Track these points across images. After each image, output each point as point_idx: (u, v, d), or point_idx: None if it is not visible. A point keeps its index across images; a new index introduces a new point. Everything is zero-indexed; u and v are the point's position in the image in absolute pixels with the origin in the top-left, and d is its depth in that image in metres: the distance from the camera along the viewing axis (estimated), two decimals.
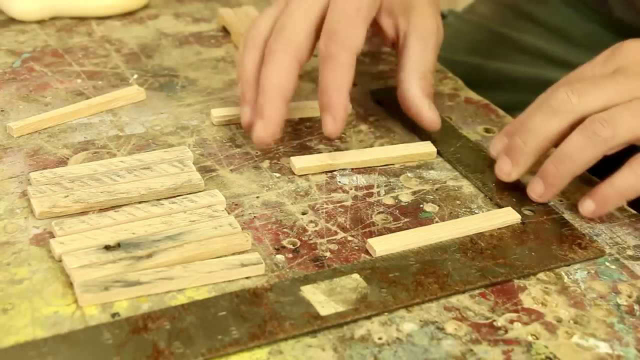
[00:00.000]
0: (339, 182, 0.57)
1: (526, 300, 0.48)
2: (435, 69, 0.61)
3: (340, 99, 0.55)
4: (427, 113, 0.59)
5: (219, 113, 0.63)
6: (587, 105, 0.53)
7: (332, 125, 0.56)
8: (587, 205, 0.54)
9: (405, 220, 0.54)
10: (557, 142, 0.54)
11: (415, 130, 0.63)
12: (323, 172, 0.58)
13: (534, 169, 0.55)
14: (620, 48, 0.56)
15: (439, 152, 0.61)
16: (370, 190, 0.56)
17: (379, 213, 0.54)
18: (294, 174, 0.57)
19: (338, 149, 0.60)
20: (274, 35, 0.56)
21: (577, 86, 0.53)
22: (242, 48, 0.59)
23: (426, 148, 0.58)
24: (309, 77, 0.70)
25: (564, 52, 0.82)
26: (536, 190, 0.55)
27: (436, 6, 0.62)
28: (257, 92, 0.56)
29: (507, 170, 0.55)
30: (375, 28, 0.62)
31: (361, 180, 0.57)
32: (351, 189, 0.56)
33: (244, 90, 0.58)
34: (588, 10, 0.82)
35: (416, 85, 0.59)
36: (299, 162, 0.57)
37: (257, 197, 0.55)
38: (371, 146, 0.61)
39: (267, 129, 0.55)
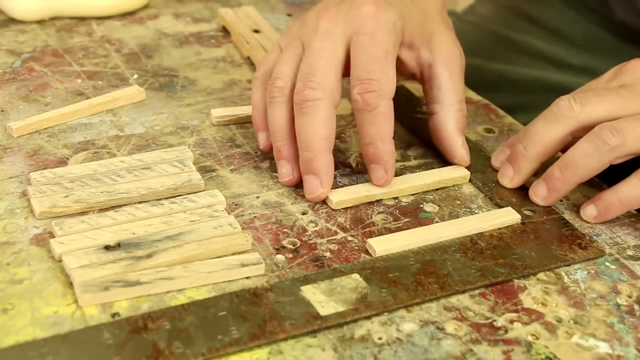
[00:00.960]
0: (339, 182, 0.57)
1: (526, 300, 0.48)
2: (464, 97, 0.59)
3: (387, 149, 0.54)
4: (459, 151, 0.58)
5: (218, 113, 0.63)
6: (589, 113, 0.53)
7: (383, 175, 0.55)
8: (590, 211, 0.54)
9: (405, 220, 0.54)
10: (558, 149, 0.54)
11: (415, 133, 0.63)
12: None
13: (536, 175, 0.55)
14: (627, 66, 0.56)
15: (439, 152, 0.61)
16: None
17: (379, 213, 0.54)
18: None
19: (338, 149, 0.60)
20: (304, 81, 0.53)
21: (580, 95, 0.54)
22: (259, 96, 0.57)
23: (460, 172, 0.58)
24: None
25: (564, 54, 0.82)
26: (539, 193, 0.55)
27: (453, 30, 0.61)
28: (294, 146, 0.54)
29: (510, 176, 0.56)
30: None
31: (361, 180, 0.57)
32: None
33: (279, 146, 0.55)
34: (589, 11, 0.82)
35: (452, 120, 0.58)
36: (336, 197, 0.54)
37: (257, 197, 0.55)
38: None
39: (324, 184, 0.54)
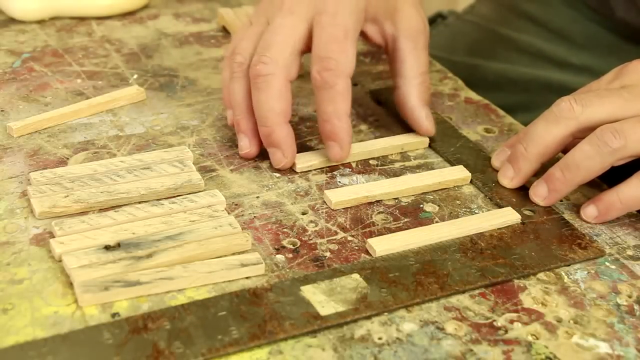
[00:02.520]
0: (339, 182, 0.57)
1: (526, 300, 0.48)
2: (428, 68, 0.61)
3: (343, 126, 0.56)
4: (423, 122, 0.60)
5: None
6: (590, 115, 0.53)
7: (339, 152, 0.56)
8: (590, 211, 0.54)
9: (405, 220, 0.54)
10: (559, 150, 0.55)
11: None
12: (323, 173, 0.58)
13: (536, 175, 0.56)
14: (628, 67, 0.56)
15: (439, 152, 0.61)
16: None
17: (379, 213, 0.54)
18: (294, 174, 0.57)
19: None
20: (258, 55, 0.55)
21: (581, 96, 0.54)
22: (227, 74, 0.58)
23: (460, 173, 0.58)
24: (309, 77, 0.70)
25: (565, 53, 0.82)
26: (540, 193, 0.55)
27: (420, 5, 0.62)
28: (252, 119, 0.56)
29: (510, 176, 0.56)
30: (360, 36, 0.61)
31: (361, 180, 0.57)
32: None
33: (238, 120, 0.57)
34: (589, 10, 0.81)
35: (414, 92, 0.60)
36: (336, 197, 0.55)
37: (257, 197, 0.55)
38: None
39: (286, 154, 0.56)
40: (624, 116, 0.52)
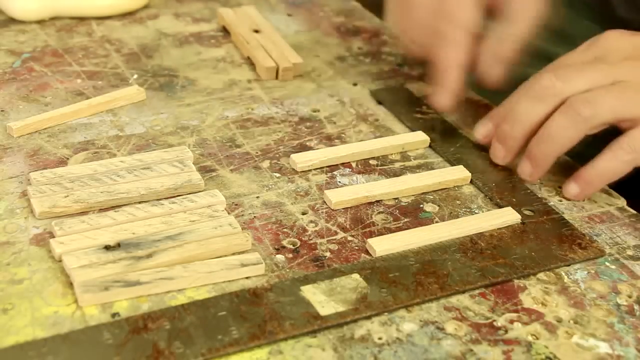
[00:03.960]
0: (339, 182, 0.57)
1: (526, 300, 0.48)
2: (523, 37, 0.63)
3: (453, 74, 0.59)
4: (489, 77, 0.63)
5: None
6: (570, 89, 0.54)
7: (443, 99, 0.61)
8: (572, 188, 0.56)
9: (405, 220, 0.54)
10: (542, 124, 0.56)
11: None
12: (323, 173, 0.58)
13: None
14: (600, 38, 0.58)
15: (439, 152, 0.61)
16: None
17: (379, 213, 0.54)
18: (294, 174, 0.57)
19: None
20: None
21: (561, 72, 0.55)
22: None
23: (461, 173, 0.58)
24: (309, 77, 0.70)
25: (565, 53, 0.82)
26: (525, 171, 0.57)
27: None
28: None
29: (502, 155, 0.58)
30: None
31: (361, 180, 0.57)
32: None
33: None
34: (589, 10, 0.81)
35: (494, 44, 0.63)
36: (336, 197, 0.54)
37: (257, 197, 0.55)
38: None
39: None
40: (603, 85, 0.54)
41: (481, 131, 0.60)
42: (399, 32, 0.68)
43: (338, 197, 0.54)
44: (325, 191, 0.55)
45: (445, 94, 0.61)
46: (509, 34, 0.62)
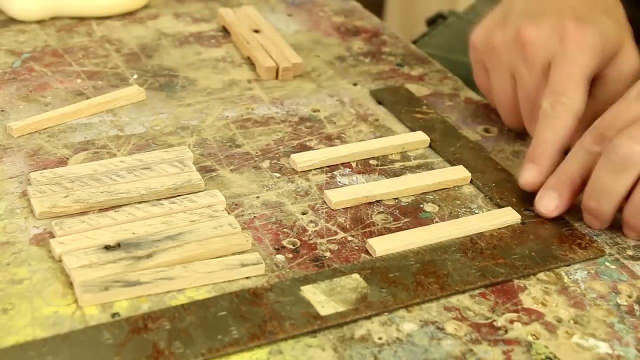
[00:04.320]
0: (339, 182, 0.57)
1: (526, 300, 0.48)
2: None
3: (549, 152, 0.55)
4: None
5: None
6: None
7: (531, 175, 0.55)
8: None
9: (405, 220, 0.54)
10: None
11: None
12: (323, 173, 0.58)
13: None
14: None
15: (439, 152, 0.61)
16: None
17: (379, 213, 0.54)
18: (294, 174, 0.57)
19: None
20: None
21: (633, 133, 0.50)
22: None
23: (460, 173, 0.58)
24: (309, 77, 0.70)
25: None
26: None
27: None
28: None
29: (598, 225, 0.54)
30: None
31: (361, 180, 0.57)
32: None
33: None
34: None
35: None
36: (336, 197, 0.54)
37: (257, 197, 0.55)
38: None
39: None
40: None
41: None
42: (485, 95, 0.64)
43: (338, 197, 0.54)
44: (325, 191, 0.55)
45: (535, 172, 0.55)
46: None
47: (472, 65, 0.64)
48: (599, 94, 0.59)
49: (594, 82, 0.59)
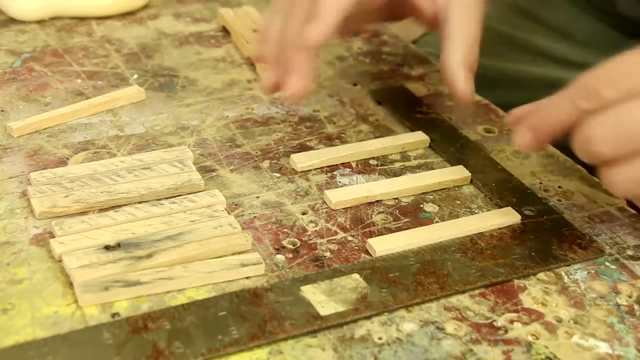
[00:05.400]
0: (339, 182, 0.57)
1: (526, 300, 0.48)
2: (479, 40, 0.59)
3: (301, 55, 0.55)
4: (461, 84, 0.58)
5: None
6: None
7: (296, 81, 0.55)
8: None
9: (405, 220, 0.54)
10: None
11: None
12: (323, 172, 0.58)
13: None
14: None
15: (439, 152, 0.61)
16: None
17: (379, 213, 0.54)
18: (294, 174, 0.57)
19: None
20: None
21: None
22: None
23: (460, 173, 0.58)
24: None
25: (566, 51, 0.82)
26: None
27: None
28: None
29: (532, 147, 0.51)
30: (410, 8, 0.61)
31: (361, 180, 0.57)
32: None
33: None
34: (591, 7, 0.81)
35: (459, 54, 0.58)
36: (336, 197, 0.54)
37: (257, 197, 0.55)
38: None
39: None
40: None
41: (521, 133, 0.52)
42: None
43: (338, 197, 0.54)
44: (325, 191, 0.55)
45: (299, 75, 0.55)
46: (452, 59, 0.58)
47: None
48: (450, 22, 0.59)
49: (442, 17, 0.59)
